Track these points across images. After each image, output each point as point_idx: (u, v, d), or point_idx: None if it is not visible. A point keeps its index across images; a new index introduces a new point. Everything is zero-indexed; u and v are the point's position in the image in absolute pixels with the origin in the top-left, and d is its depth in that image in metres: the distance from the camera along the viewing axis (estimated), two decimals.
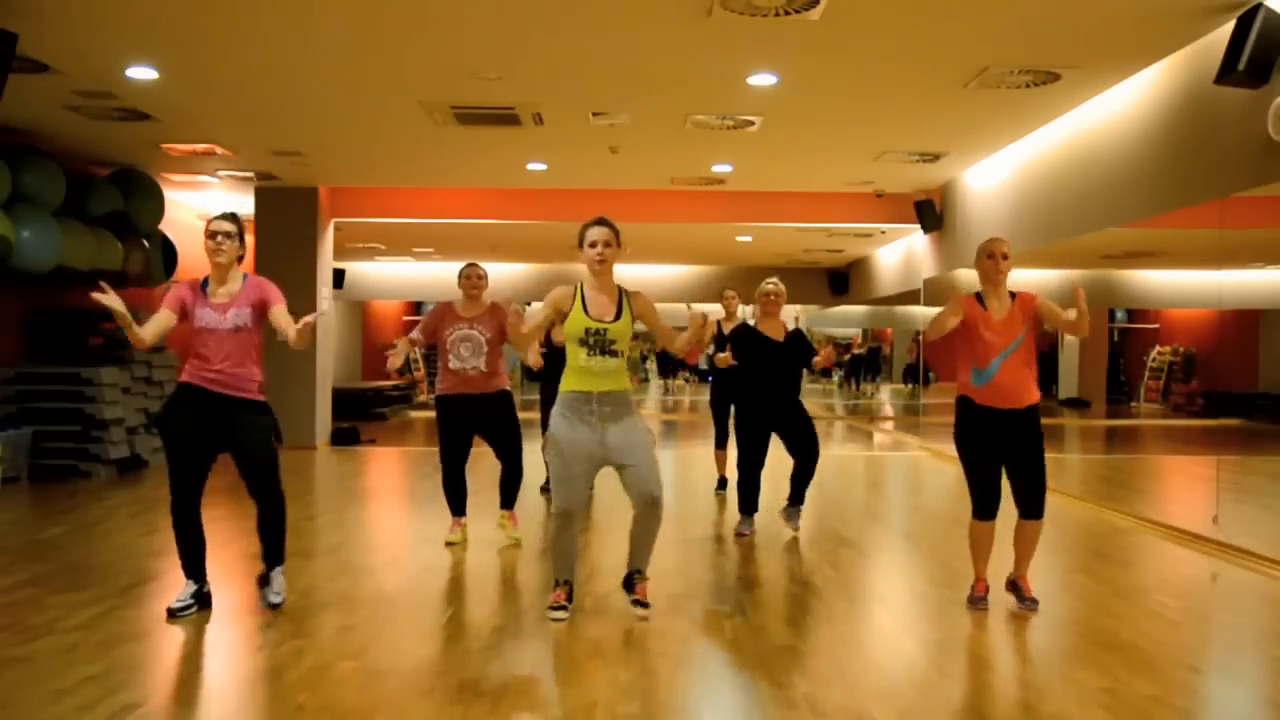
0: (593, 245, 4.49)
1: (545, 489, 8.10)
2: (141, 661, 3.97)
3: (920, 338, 18.70)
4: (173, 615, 4.48)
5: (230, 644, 4.22)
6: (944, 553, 6.29)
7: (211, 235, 4.50)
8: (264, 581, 4.70)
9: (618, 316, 4.47)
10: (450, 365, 6.00)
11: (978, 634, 4.44)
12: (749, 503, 6.60)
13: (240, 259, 4.61)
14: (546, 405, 8.00)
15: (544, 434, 8.12)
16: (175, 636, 4.34)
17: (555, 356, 7.86)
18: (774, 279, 6.61)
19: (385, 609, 4.71)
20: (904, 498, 9.34)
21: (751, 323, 7.58)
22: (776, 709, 3.45)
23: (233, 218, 4.60)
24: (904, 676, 3.90)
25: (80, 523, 6.82)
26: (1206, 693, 3.88)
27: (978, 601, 4.76)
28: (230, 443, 4.52)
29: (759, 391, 6.51)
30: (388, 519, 7.71)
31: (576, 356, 4.46)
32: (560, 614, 4.52)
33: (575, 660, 3.98)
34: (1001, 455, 4.67)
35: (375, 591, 5.05)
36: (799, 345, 6.57)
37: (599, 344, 4.42)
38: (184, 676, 3.87)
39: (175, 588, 5.15)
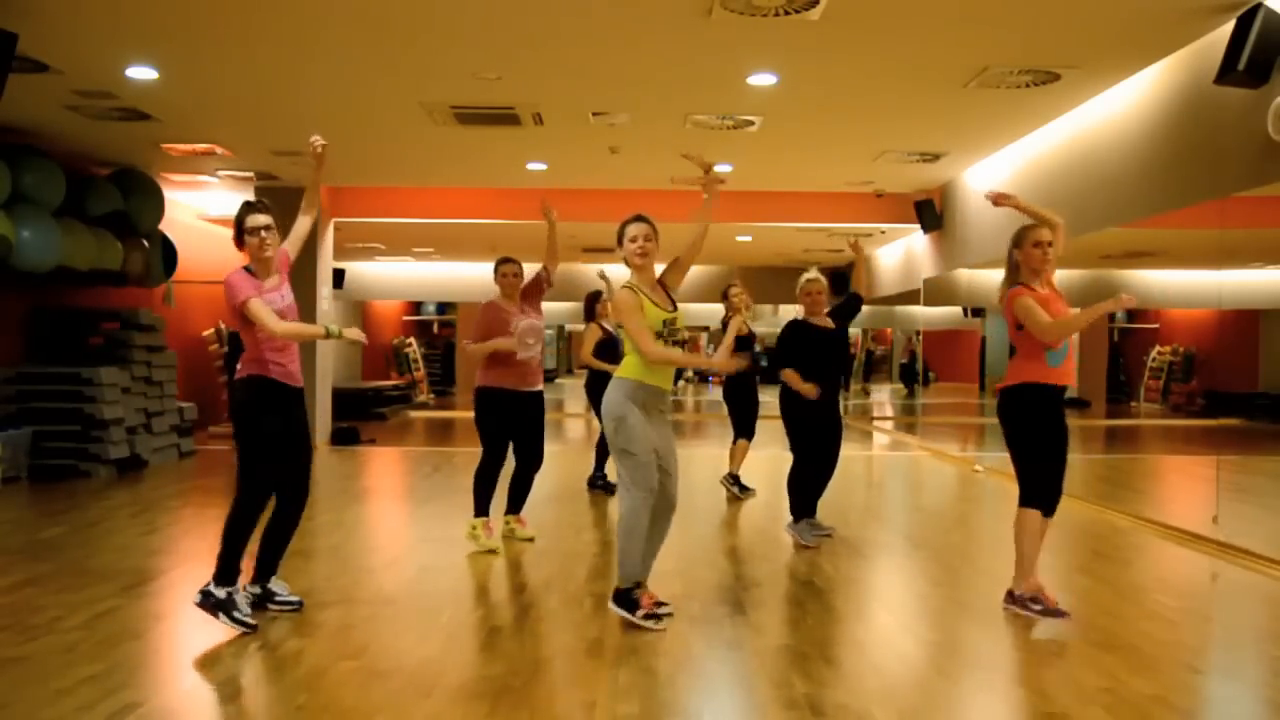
0: (634, 240, 4.51)
1: (592, 485, 8.10)
2: (141, 661, 3.97)
3: (916, 337, 18.66)
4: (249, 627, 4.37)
5: (230, 644, 4.21)
6: (944, 553, 6.29)
7: (254, 232, 4.42)
8: (268, 597, 4.58)
9: (674, 306, 4.55)
10: (519, 356, 5.95)
11: (977, 634, 4.44)
12: (811, 506, 6.41)
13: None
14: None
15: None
16: (175, 636, 4.34)
17: (610, 352, 7.78)
18: (814, 271, 6.44)
19: (385, 609, 4.71)
20: (904, 498, 9.33)
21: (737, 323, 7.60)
22: (776, 709, 3.45)
23: (265, 208, 4.51)
24: (904, 676, 3.90)
25: (80, 523, 6.82)
26: (1206, 693, 3.87)
27: (1057, 613, 4.58)
28: (294, 435, 4.53)
29: (826, 384, 6.29)
30: (388, 519, 7.70)
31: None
32: (666, 615, 4.47)
33: (575, 660, 3.98)
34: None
35: (375, 591, 5.04)
36: (847, 312, 6.43)
37: (671, 334, 4.47)
38: (184, 676, 3.86)
39: (176, 587, 5.15)
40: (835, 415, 6.40)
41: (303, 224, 4.74)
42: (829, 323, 6.37)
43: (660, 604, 4.47)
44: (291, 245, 4.68)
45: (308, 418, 4.65)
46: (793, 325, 6.42)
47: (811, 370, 6.26)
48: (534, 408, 6.08)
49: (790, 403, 6.30)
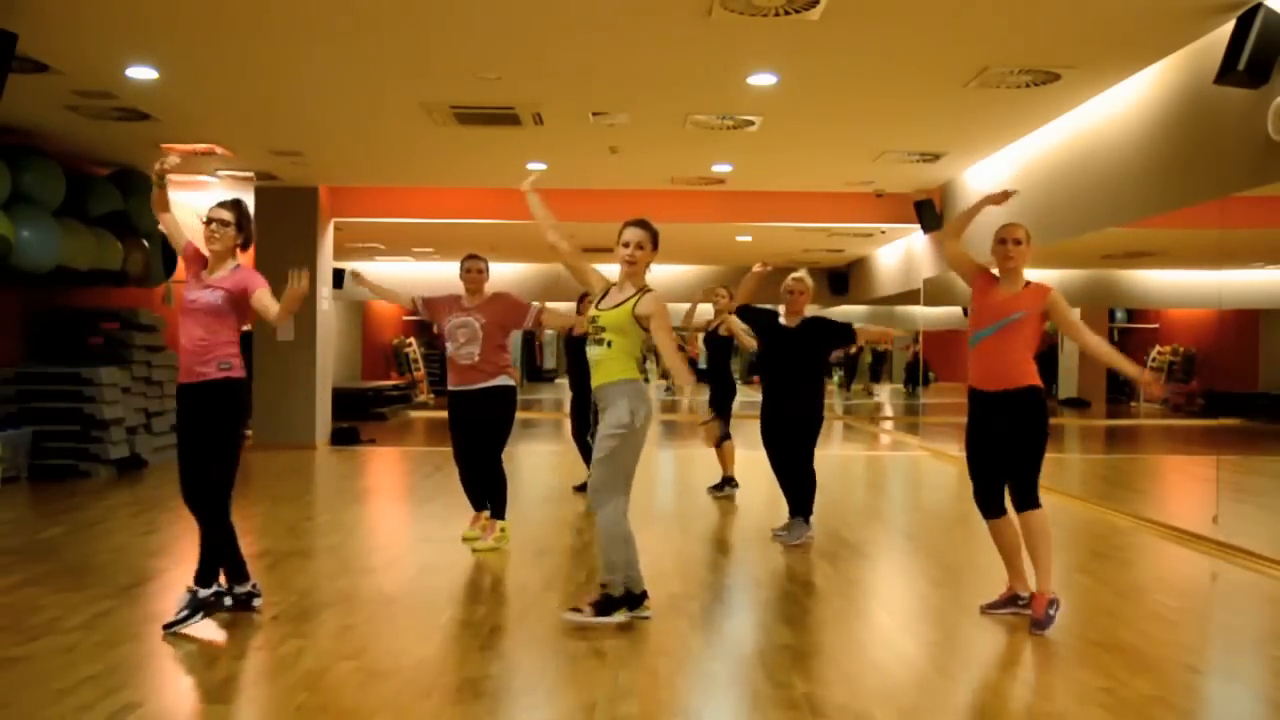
0: (625, 245, 4.47)
1: (579, 488, 8.12)
2: (141, 661, 3.96)
3: (919, 337, 18.69)
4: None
5: (230, 644, 4.21)
6: (944, 553, 6.29)
7: (206, 222, 4.52)
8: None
9: (617, 307, 4.45)
10: (448, 352, 6.00)
11: (977, 634, 4.44)
12: (793, 504, 6.31)
13: (241, 248, 4.58)
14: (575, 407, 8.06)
15: (575, 435, 8.20)
16: (175, 636, 4.33)
17: (576, 349, 7.79)
18: (799, 273, 6.40)
19: (385, 609, 4.71)
20: (904, 498, 9.33)
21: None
22: (776, 709, 3.45)
23: (233, 205, 4.56)
24: (904, 676, 3.90)
25: (80, 523, 6.82)
26: (1206, 693, 3.88)
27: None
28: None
29: (772, 383, 6.37)
30: (388, 519, 7.70)
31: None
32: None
33: (575, 660, 3.98)
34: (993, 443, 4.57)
35: (375, 591, 5.04)
36: (818, 330, 6.30)
37: (594, 331, 4.44)
38: (184, 676, 3.86)
39: (175, 587, 5.15)
40: (787, 416, 6.27)
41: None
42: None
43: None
44: (258, 299, 4.48)
45: (200, 409, 4.48)
46: (768, 313, 6.45)
47: (766, 367, 6.43)
48: (466, 408, 5.97)
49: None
